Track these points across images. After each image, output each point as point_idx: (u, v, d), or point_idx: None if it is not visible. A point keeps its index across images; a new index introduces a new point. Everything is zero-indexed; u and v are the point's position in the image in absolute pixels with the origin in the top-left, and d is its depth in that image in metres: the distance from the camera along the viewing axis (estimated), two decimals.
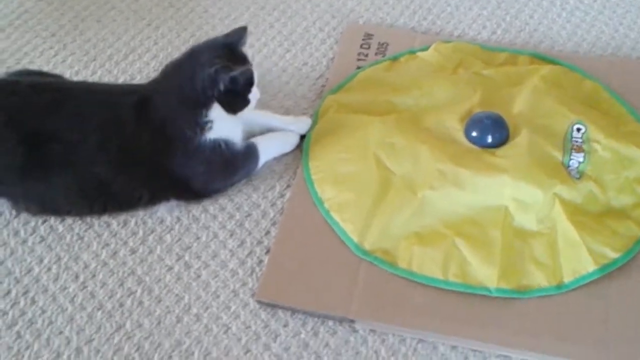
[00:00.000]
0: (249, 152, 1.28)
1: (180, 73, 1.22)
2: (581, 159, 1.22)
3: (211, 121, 1.20)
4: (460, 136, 1.27)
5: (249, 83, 1.22)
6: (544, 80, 1.36)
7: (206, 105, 1.19)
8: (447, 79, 1.39)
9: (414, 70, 1.44)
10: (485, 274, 1.12)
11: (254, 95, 1.23)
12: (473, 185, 1.19)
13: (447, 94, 1.36)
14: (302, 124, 1.36)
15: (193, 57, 1.22)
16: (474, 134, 1.26)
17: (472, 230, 1.17)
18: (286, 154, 1.32)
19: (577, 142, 1.25)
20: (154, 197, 1.25)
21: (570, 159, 1.22)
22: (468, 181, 1.20)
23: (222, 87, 1.18)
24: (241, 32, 1.24)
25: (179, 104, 1.21)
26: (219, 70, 1.17)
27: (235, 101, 1.22)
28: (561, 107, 1.30)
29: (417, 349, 1.09)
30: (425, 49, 1.48)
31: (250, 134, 1.31)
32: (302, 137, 1.35)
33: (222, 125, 1.21)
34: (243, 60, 1.23)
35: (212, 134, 1.21)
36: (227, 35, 1.25)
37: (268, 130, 1.34)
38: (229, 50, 1.22)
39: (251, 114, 1.27)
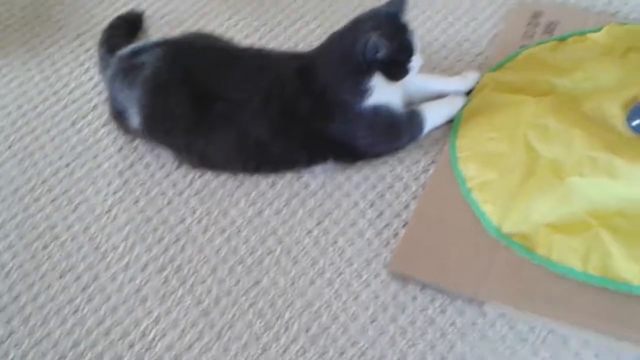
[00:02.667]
0: (413, 118, 1.29)
1: (342, 41, 1.25)
2: None
3: (371, 88, 1.22)
4: (620, 124, 1.20)
5: (408, 52, 1.23)
6: None
7: (366, 72, 1.22)
8: (615, 63, 1.32)
9: (581, 52, 1.38)
10: (630, 270, 1.06)
11: (416, 62, 1.24)
12: (627, 175, 1.13)
13: (613, 78, 1.28)
14: (469, 80, 1.36)
15: (354, 26, 1.25)
16: (636, 122, 1.19)
17: (621, 223, 1.11)
18: (435, 129, 1.31)
19: None
20: (311, 159, 1.30)
21: None
22: (622, 171, 1.13)
23: (380, 55, 1.19)
24: (401, 1, 1.24)
25: (339, 71, 1.24)
26: (377, 39, 1.18)
27: (394, 69, 1.23)
28: None
29: (546, 340, 1.06)
30: (597, 30, 1.41)
31: (412, 100, 1.32)
32: (469, 92, 1.35)
33: (381, 92, 1.24)
34: (403, 29, 1.24)
35: (372, 100, 1.23)
36: (387, 4, 1.25)
37: (430, 95, 1.34)
38: (389, 20, 1.23)
39: (414, 78, 1.27)
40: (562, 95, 1.28)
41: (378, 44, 1.18)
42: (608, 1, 1.51)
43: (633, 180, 1.13)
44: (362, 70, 1.22)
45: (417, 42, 1.23)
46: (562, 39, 1.42)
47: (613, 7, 1.49)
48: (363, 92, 1.23)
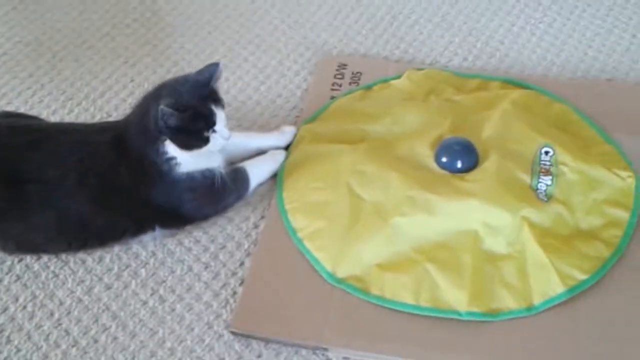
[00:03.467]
0: (237, 177, 1.29)
1: (141, 109, 1.22)
2: (549, 182, 1.23)
3: (174, 157, 1.20)
4: (431, 162, 1.28)
5: (207, 122, 1.18)
6: (514, 105, 1.37)
7: (160, 141, 1.18)
8: (418, 106, 1.41)
9: (386, 98, 1.46)
10: (456, 298, 1.13)
11: (220, 134, 1.20)
12: (443, 210, 1.20)
13: (418, 121, 1.37)
14: (286, 134, 1.39)
15: (154, 93, 1.22)
16: (444, 159, 1.28)
17: (443, 255, 1.17)
18: (260, 185, 1.33)
19: (545, 165, 1.26)
20: (138, 229, 1.26)
21: (539, 182, 1.23)
22: (438, 206, 1.20)
23: (165, 124, 1.15)
24: (212, 69, 1.21)
25: (142, 140, 1.20)
26: (163, 107, 1.14)
27: (187, 138, 1.19)
28: (530, 131, 1.31)
29: None
30: (398, 77, 1.50)
31: (233, 158, 1.32)
32: (288, 146, 1.38)
33: (188, 160, 1.20)
34: (205, 98, 1.19)
35: (183, 167, 1.21)
36: (198, 72, 1.22)
37: (250, 152, 1.36)
38: (191, 87, 1.19)
39: (232, 139, 1.24)
40: (376, 140, 1.35)
41: (165, 113, 1.14)
42: (404, 49, 1.61)
43: (447, 214, 1.20)
44: (155, 139, 1.18)
45: (223, 113, 1.20)
46: (368, 88, 1.50)
47: (409, 55, 1.60)
48: (169, 161, 1.20)
